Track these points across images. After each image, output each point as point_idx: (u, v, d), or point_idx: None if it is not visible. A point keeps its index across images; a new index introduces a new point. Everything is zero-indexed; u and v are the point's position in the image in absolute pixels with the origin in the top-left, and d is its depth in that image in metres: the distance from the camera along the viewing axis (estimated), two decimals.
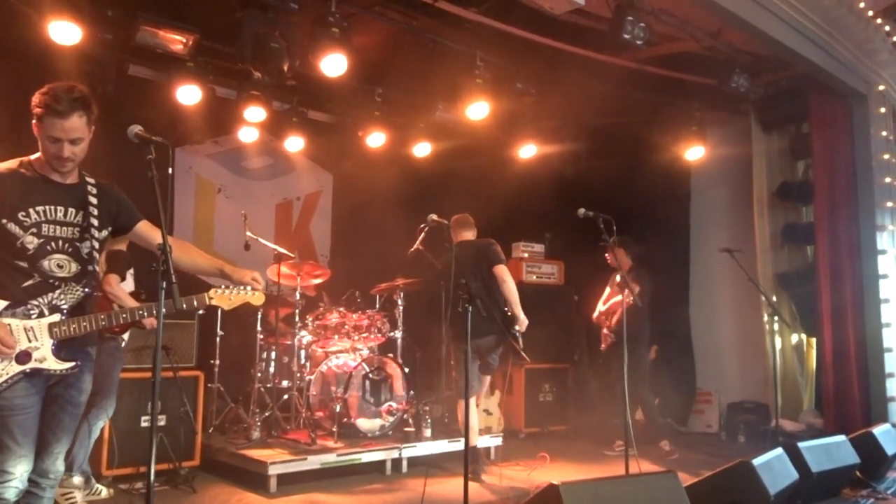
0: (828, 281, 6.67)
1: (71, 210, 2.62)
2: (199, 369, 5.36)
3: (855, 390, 6.45)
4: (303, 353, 5.95)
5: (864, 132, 6.62)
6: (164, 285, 2.29)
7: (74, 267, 2.61)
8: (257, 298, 2.87)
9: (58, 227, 2.58)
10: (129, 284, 4.56)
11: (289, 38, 4.81)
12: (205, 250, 3.18)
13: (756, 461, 3.64)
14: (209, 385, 5.65)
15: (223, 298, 2.78)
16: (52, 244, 2.57)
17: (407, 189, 7.40)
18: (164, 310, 2.34)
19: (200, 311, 5.71)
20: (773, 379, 6.00)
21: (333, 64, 4.95)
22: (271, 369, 6.01)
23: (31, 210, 2.53)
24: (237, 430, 5.72)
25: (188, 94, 5.76)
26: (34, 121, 2.52)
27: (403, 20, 5.68)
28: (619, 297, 6.05)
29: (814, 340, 7.13)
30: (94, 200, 2.64)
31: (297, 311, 5.78)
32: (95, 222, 2.63)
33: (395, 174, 7.50)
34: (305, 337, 5.91)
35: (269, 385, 5.88)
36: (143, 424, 4.90)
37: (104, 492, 4.56)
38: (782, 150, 7.40)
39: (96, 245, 2.64)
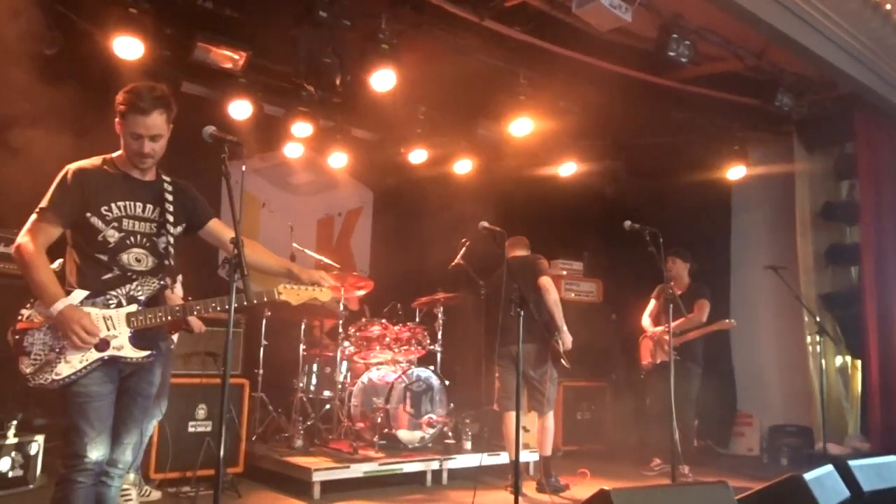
0: (874, 302, 6.57)
1: (149, 206, 2.74)
2: (244, 377, 5.46)
3: None
4: (345, 364, 6.02)
5: None
6: (238, 278, 2.37)
7: (151, 261, 2.72)
8: (324, 294, 2.95)
9: (137, 223, 2.70)
10: (178, 291, 4.68)
11: (341, 53, 4.97)
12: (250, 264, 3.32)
13: (807, 476, 3.58)
14: (253, 394, 5.75)
15: (291, 293, 2.86)
16: (132, 238, 2.68)
17: (447, 206, 7.48)
18: (234, 304, 2.42)
19: (267, 313, 5.86)
20: (821, 401, 5.92)
21: (383, 79, 5.09)
22: (313, 380, 6.08)
23: (112, 205, 2.65)
24: (279, 439, 5.80)
25: (239, 110, 5.95)
26: (117, 119, 2.66)
27: (450, 38, 5.80)
28: (688, 315, 5.85)
29: (859, 363, 6.99)
30: (169, 197, 2.76)
31: (340, 322, 5.87)
32: (171, 218, 2.74)
33: (435, 191, 7.61)
34: (347, 348, 5.99)
35: (310, 395, 5.96)
36: (191, 430, 4.99)
37: (154, 494, 4.65)
38: (826, 170, 7.33)
39: (171, 240, 2.75)
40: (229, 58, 5.69)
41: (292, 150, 7.09)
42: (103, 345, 2.58)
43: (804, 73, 6.52)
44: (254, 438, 5.77)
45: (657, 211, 7.33)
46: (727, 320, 6.15)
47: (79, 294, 2.59)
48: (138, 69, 5.41)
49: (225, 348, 2.42)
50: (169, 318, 2.68)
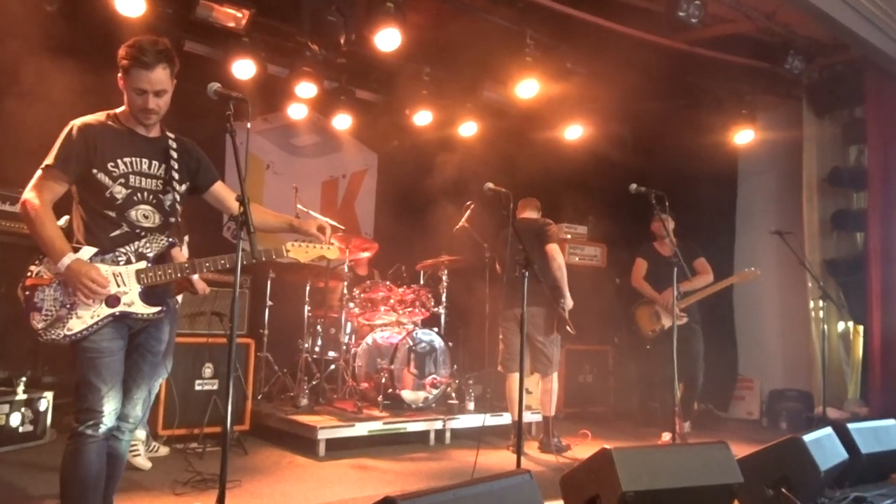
0: (879, 268, 6.56)
1: (154, 163, 2.72)
2: (249, 337, 5.51)
3: None
4: (349, 325, 6.07)
5: None
6: (244, 236, 2.37)
7: (158, 218, 2.72)
8: (332, 252, 2.95)
9: (143, 179, 2.69)
10: (184, 252, 4.70)
11: (345, 12, 4.89)
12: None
13: (807, 437, 3.64)
14: (258, 354, 5.80)
15: (300, 251, 2.87)
16: (139, 195, 2.67)
17: (451, 168, 7.44)
18: (242, 261, 2.43)
19: (272, 274, 5.86)
20: (822, 366, 5.94)
21: (388, 38, 5.03)
22: (318, 340, 6.13)
23: (119, 161, 2.64)
24: (284, 398, 5.88)
25: (243, 69, 5.89)
26: (120, 75, 2.63)
27: None
28: (699, 276, 5.94)
29: (861, 329, 7.01)
30: (175, 154, 2.75)
31: (345, 283, 5.89)
32: (176, 175, 2.74)
33: (440, 154, 7.56)
34: (352, 310, 6.02)
35: (315, 356, 6.02)
36: (198, 388, 5.06)
37: (162, 450, 4.73)
38: (834, 135, 7.26)
39: (178, 198, 2.75)
40: (232, 16, 5.61)
41: (296, 112, 7.04)
42: (114, 301, 2.59)
43: (815, 35, 6.42)
44: (259, 397, 5.86)
45: (663, 175, 7.28)
46: (750, 269, 6.03)
47: (87, 251, 2.60)
48: (140, 26, 5.34)
49: (232, 305, 2.43)
50: (178, 275, 2.69)
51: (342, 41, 4.89)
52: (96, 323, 2.56)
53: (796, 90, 7.32)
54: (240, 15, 5.58)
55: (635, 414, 7.38)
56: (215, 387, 5.11)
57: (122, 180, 2.64)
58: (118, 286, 2.61)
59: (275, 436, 5.27)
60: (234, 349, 2.47)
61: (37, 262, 2.61)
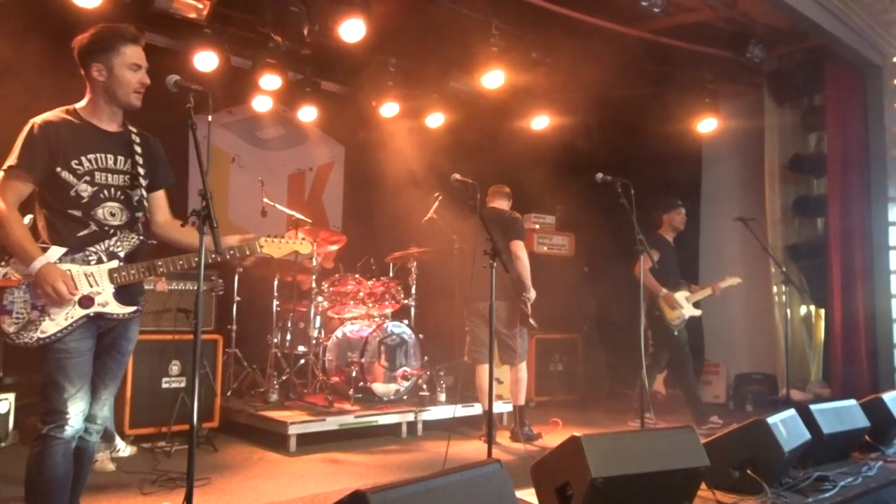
0: (839, 252, 6.71)
1: (120, 158, 2.66)
2: (217, 333, 5.44)
3: (863, 361, 6.51)
4: (318, 319, 6.03)
5: (878, 104, 6.62)
6: (206, 230, 2.33)
7: (126, 215, 2.66)
8: (304, 247, 2.96)
9: (109, 175, 2.62)
10: None
11: (308, 1, 4.82)
12: (220, 219, 3.27)
13: (770, 419, 3.70)
14: (227, 350, 5.74)
15: (273, 246, 2.85)
16: (105, 192, 2.61)
17: (419, 160, 7.43)
18: (205, 258, 2.40)
19: (239, 269, 5.77)
20: (785, 350, 6.07)
21: (352, 29, 4.98)
22: (288, 335, 6.09)
23: (83, 158, 2.56)
24: (254, 394, 5.83)
25: (205, 61, 5.80)
26: (94, 63, 2.56)
27: None
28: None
29: (822, 312, 7.18)
30: (138, 149, 2.68)
31: (313, 277, 5.85)
32: (142, 171, 2.67)
33: (407, 145, 7.53)
34: (321, 304, 5.98)
35: (285, 350, 5.97)
36: (164, 386, 4.98)
37: (127, 450, 4.66)
38: (795, 122, 7.40)
39: (145, 194, 2.68)
40: (193, 6, 5.49)
41: (261, 104, 6.94)
42: (87, 301, 2.53)
43: (775, 24, 6.51)
44: (229, 393, 5.80)
45: (629, 164, 7.38)
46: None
47: (56, 251, 2.53)
48: (97, 18, 5.18)
49: (197, 301, 2.39)
50: (152, 273, 2.63)
51: (305, 32, 4.83)
52: (71, 325, 2.50)
53: (758, 78, 7.45)
54: (201, 5, 5.47)
55: (605, 401, 7.47)
56: (182, 384, 5.04)
57: (88, 178, 2.57)
58: (91, 286, 2.55)
59: (245, 432, 5.23)
60: (199, 345, 2.43)
61: (2, 263, 2.53)
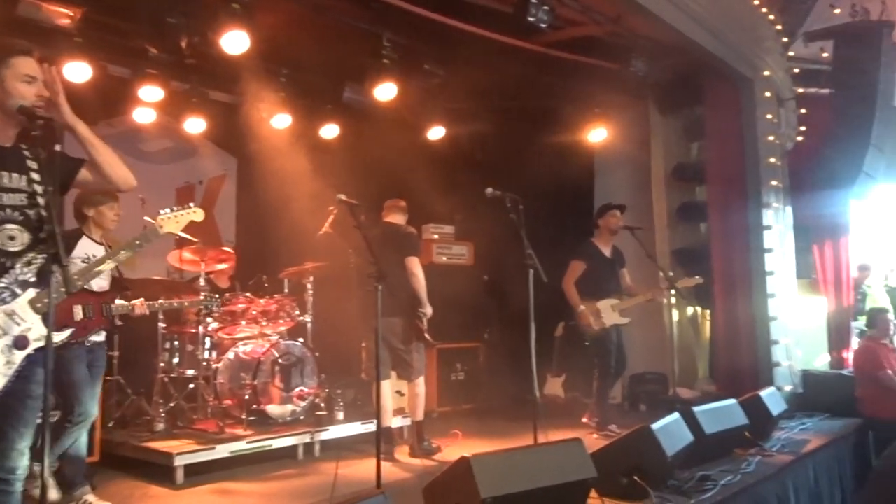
0: (720, 256, 7.05)
1: (14, 175, 2.41)
2: None
3: (744, 358, 6.85)
4: (208, 340, 5.78)
5: (752, 115, 6.99)
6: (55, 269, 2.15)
7: (27, 237, 2.41)
8: (199, 215, 2.90)
9: (3, 195, 2.38)
10: None
11: (187, 12, 4.61)
12: None
13: (655, 426, 3.84)
14: (108, 378, 5.40)
15: (170, 223, 2.74)
16: (1, 213, 2.37)
17: (315, 172, 7.26)
18: (55, 297, 2.21)
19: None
20: (671, 350, 6.33)
21: (235, 41, 4.81)
22: (175, 359, 5.80)
23: None
24: (140, 423, 5.51)
25: (77, 72, 5.44)
26: None
27: None
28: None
29: (708, 312, 7.55)
30: (33, 165, 2.43)
31: (201, 297, 5.59)
32: (39, 189, 2.42)
33: (302, 157, 7.35)
34: (210, 324, 5.74)
35: (173, 375, 5.69)
36: (38, 420, 4.62)
37: None
38: (678, 132, 7.76)
39: (45, 209, 2.41)
40: (62, 13, 5.17)
41: (143, 116, 6.60)
42: (23, 342, 2.32)
43: (657, 38, 6.78)
44: (111, 424, 5.46)
45: (525, 173, 7.50)
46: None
47: None
48: None
49: (47, 343, 2.20)
50: (69, 289, 2.40)
51: (184, 44, 4.61)
52: (16, 371, 2.32)
53: (643, 90, 7.73)
54: (70, 13, 5.15)
55: (509, 409, 7.55)
56: (56, 418, 4.68)
57: None
58: (19, 325, 2.33)
59: (129, 466, 4.92)
60: (48, 385, 2.26)
61: None
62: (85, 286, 3.80)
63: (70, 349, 3.87)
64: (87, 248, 4.11)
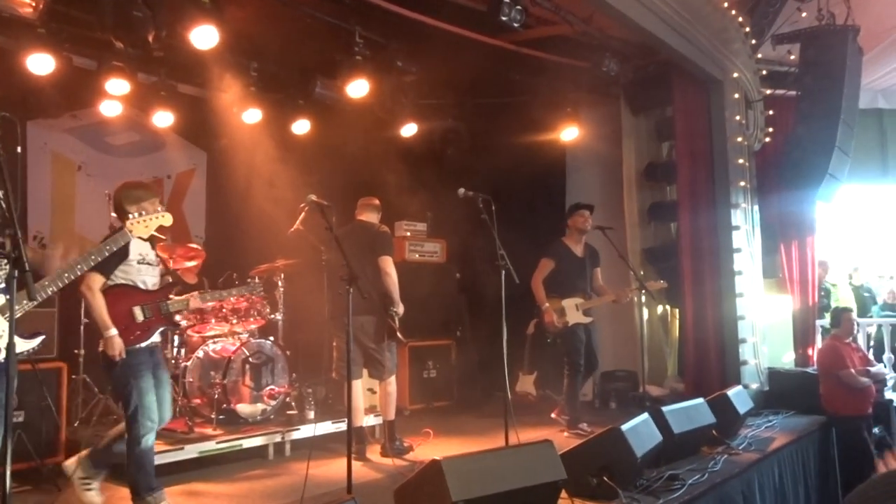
0: (689, 255, 7.14)
1: None
2: (61, 360, 5.02)
3: (712, 356, 6.96)
4: (177, 338, 5.70)
5: (720, 116, 7.09)
6: (17, 274, 2.09)
7: None
8: (168, 219, 2.95)
9: None
10: None
11: (154, 6, 4.52)
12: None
13: (624, 427, 3.87)
14: (73, 376, 5.30)
15: (139, 226, 2.68)
16: None
17: (286, 168, 7.18)
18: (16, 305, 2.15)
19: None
20: (641, 348, 6.39)
21: (204, 36, 4.74)
22: None
23: None
24: (106, 423, 5.41)
25: (40, 64, 5.31)
26: None
27: None
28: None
29: (677, 311, 7.64)
30: None
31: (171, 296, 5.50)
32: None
33: (273, 152, 7.26)
34: (180, 322, 5.64)
35: None
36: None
37: None
38: (649, 132, 7.82)
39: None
40: (25, 3, 5.04)
41: (110, 108, 6.46)
42: None
43: (628, 38, 6.84)
44: (77, 424, 5.36)
45: (497, 171, 7.52)
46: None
47: None
48: None
49: (10, 344, 2.14)
50: (32, 301, 2.33)
51: (150, 38, 4.52)
52: None
53: (615, 89, 7.80)
54: (33, 3, 5.02)
55: (480, 405, 7.57)
56: (21, 418, 4.59)
57: None
58: None
59: None
60: (12, 388, 2.20)
61: None
62: (140, 285, 3.69)
63: (137, 355, 3.72)
64: (139, 249, 3.82)
